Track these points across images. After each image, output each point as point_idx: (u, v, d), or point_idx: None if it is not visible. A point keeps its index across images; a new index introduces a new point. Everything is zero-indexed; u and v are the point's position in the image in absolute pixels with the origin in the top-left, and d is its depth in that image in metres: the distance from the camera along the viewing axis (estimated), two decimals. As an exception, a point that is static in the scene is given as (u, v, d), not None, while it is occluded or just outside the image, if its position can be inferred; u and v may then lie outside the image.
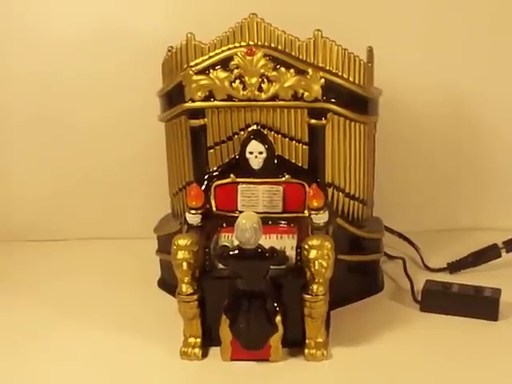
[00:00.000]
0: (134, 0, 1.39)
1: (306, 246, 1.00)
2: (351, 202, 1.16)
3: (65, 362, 1.05)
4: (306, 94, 1.08)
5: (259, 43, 1.08)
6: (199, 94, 1.10)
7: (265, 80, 1.08)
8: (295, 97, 1.08)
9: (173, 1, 1.38)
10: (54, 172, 1.48)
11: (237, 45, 1.08)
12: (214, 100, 1.10)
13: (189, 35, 1.10)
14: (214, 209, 1.11)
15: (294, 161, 1.12)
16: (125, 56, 1.39)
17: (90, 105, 1.43)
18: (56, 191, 1.48)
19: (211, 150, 1.13)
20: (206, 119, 1.11)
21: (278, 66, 1.08)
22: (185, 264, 1.01)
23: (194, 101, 1.10)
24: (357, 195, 1.16)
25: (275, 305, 1.01)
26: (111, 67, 1.40)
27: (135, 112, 1.40)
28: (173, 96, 1.13)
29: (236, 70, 1.08)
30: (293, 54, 1.08)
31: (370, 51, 1.12)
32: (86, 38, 1.39)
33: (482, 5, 1.36)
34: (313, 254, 0.99)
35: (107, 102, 1.42)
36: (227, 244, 1.05)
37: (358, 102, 1.11)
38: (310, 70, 1.07)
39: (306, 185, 1.09)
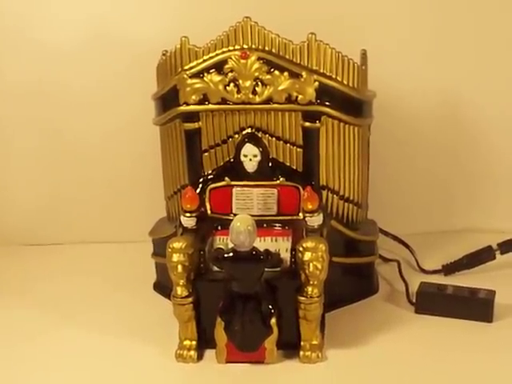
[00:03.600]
0: (129, 5, 1.39)
1: (301, 249, 1.00)
2: (346, 204, 1.16)
3: (60, 364, 1.05)
4: (300, 96, 1.08)
5: (253, 46, 1.08)
6: (193, 97, 1.10)
7: (259, 83, 1.08)
8: (289, 100, 1.08)
9: (167, 5, 1.38)
10: (50, 177, 1.48)
11: (231, 48, 1.09)
12: (209, 103, 1.10)
13: (183, 39, 1.10)
14: (209, 212, 1.11)
15: (288, 164, 1.12)
16: (120, 61, 1.39)
17: (85, 109, 1.43)
18: (52, 196, 1.48)
19: (206, 154, 1.13)
20: (200, 122, 1.12)
21: (271, 70, 1.08)
22: (180, 267, 1.01)
23: (188, 104, 1.10)
24: (351, 198, 1.16)
25: (270, 307, 1.01)
26: (106, 72, 1.40)
27: (130, 116, 1.40)
28: (167, 99, 1.13)
29: (230, 74, 1.08)
30: (287, 57, 1.08)
31: (364, 54, 1.13)
32: (81, 44, 1.39)
33: (478, 8, 1.37)
34: (307, 256, 1.00)
35: (102, 106, 1.42)
36: (222, 247, 1.05)
37: (352, 105, 1.12)
38: (303, 73, 1.08)
39: (300, 187, 1.09)
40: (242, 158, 1.10)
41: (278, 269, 1.03)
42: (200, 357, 1.04)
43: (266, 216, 1.09)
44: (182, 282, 1.02)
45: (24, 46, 1.41)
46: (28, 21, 1.40)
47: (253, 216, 1.02)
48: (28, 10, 1.40)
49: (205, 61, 1.09)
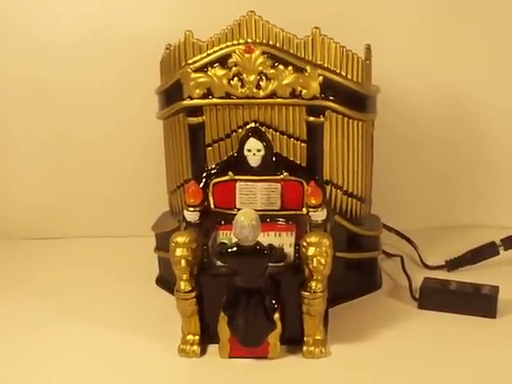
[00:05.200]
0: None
1: (305, 243, 1.00)
2: (349, 199, 1.16)
3: (62, 357, 1.05)
4: (304, 91, 1.08)
5: (257, 41, 1.08)
6: (197, 91, 1.10)
7: (263, 77, 1.08)
8: (293, 94, 1.08)
9: (171, -1, 1.38)
10: (53, 171, 1.48)
11: (235, 42, 1.08)
12: (212, 97, 1.10)
13: (187, 33, 1.10)
14: (212, 206, 1.11)
15: (292, 158, 1.12)
16: (123, 56, 1.39)
17: (88, 104, 1.43)
18: (54, 190, 1.48)
19: (209, 148, 1.13)
20: (204, 117, 1.11)
21: (276, 64, 1.08)
22: (183, 261, 1.02)
23: (192, 98, 1.10)
24: (355, 193, 1.16)
25: (273, 302, 1.01)
26: (109, 67, 1.40)
27: (133, 110, 1.40)
28: (171, 93, 1.13)
29: (234, 68, 1.08)
30: (291, 51, 1.08)
31: (368, 49, 1.12)
32: (83, 39, 1.39)
33: (480, 5, 1.36)
34: (311, 251, 1.00)
35: (105, 101, 1.42)
36: (225, 241, 1.05)
37: (356, 100, 1.11)
38: (308, 68, 1.07)
39: (304, 182, 1.09)
40: (246, 153, 1.09)
41: (282, 264, 1.03)
42: (203, 352, 1.04)
43: (269, 211, 1.09)
44: (185, 276, 1.02)
45: (26, 42, 1.40)
46: (30, 18, 1.40)
47: (256, 211, 1.02)
48: (30, 7, 1.39)
49: (209, 55, 1.09)
